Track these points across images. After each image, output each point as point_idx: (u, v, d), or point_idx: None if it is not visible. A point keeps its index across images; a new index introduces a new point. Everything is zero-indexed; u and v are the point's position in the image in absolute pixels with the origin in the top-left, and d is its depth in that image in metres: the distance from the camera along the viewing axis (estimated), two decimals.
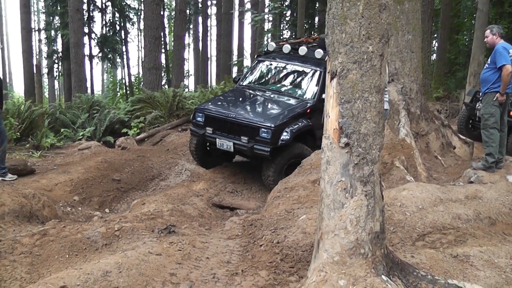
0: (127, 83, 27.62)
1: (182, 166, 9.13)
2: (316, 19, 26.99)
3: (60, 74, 26.66)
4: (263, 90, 9.55)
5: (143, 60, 18.67)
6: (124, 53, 27.51)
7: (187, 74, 36.69)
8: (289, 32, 28.21)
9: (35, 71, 20.14)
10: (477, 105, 9.99)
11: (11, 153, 9.31)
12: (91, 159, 9.02)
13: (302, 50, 9.71)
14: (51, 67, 26.06)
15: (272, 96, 9.33)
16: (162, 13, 22.53)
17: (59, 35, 25.14)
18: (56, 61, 25.53)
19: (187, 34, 34.85)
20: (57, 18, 25.39)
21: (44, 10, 28.17)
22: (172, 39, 25.21)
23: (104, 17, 26.08)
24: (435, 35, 22.71)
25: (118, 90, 31.62)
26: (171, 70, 23.38)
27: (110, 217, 5.66)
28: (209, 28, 36.83)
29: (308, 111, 8.71)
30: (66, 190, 7.57)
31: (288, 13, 27.88)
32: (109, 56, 25.70)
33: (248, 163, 9.59)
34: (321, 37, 10.43)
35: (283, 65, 9.89)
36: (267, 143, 8.08)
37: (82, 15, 19.86)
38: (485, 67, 7.53)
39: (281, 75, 9.86)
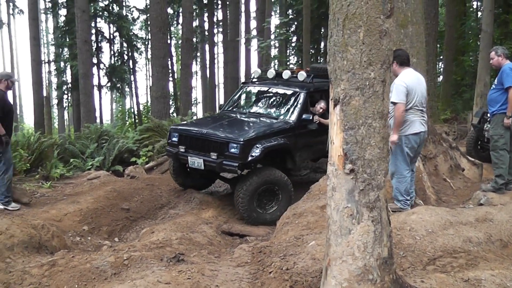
0: (135, 112, 27.82)
1: (191, 194, 9.15)
2: (322, 44, 27.19)
3: (70, 104, 26.96)
4: (244, 113, 9.64)
5: (151, 88, 18.82)
6: (133, 82, 27.80)
7: (195, 101, 36.93)
8: (295, 57, 28.40)
9: (44, 103, 20.42)
10: (485, 126, 9.93)
11: (21, 184, 9.40)
12: (100, 188, 9.07)
13: (286, 74, 9.76)
14: (61, 98, 26.32)
15: (250, 117, 9.39)
16: (169, 42, 22.80)
17: (68, 66, 25.50)
18: (66, 92, 25.82)
19: (194, 62, 35.16)
20: (66, 49, 25.81)
21: (53, 42, 28.58)
22: (180, 67, 25.43)
23: (112, 47, 26.44)
24: (440, 57, 22.74)
25: (127, 119, 31.85)
26: (179, 98, 23.55)
27: (119, 246, 5.67)
28: (216, 56, 37.17)
29: (286, 130, 8.68)
30: (75, 220, 7.60)
31: (294, 39, 28.10)
32: (118, 85, 25.98)
33: None
34: (311, 67, 10.59)
35: (266, 88, 9.99)
36: (235, 158, 7.97)
37: (90, 46, 20.16)
38: (492, 87, 7.50)
39: (263, 98, 9.95)
